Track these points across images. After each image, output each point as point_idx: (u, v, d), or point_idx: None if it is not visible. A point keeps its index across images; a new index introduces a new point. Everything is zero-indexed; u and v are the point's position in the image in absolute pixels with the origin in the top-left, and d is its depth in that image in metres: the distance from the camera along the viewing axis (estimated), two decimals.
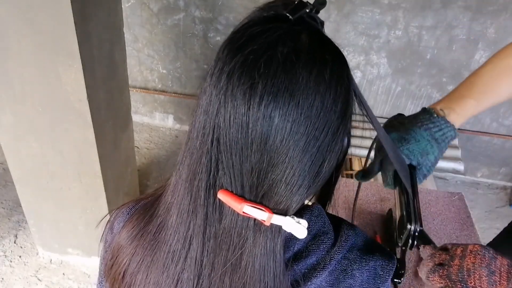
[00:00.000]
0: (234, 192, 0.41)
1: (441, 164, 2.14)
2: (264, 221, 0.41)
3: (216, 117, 0.39)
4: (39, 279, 1.86)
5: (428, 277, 0.54)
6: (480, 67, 0.74)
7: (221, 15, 2.35)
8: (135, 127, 2.53)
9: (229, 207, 0.42)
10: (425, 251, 0.60)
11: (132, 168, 1.98)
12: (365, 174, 0.75)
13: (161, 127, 2.89)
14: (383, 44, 2.28)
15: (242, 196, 0.41)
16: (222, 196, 0.41)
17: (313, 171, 0.41)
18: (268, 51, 0.37)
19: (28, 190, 1.67)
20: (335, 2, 2.17)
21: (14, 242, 2.01)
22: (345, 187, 1.43)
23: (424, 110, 0.71)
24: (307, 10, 0.41)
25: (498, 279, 0.48)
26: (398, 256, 1.10)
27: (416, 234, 0.64)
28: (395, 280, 1.03)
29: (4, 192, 2.26)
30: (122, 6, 1.67)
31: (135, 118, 2.84)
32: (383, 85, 2.42)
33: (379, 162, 0.73)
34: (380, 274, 0.50)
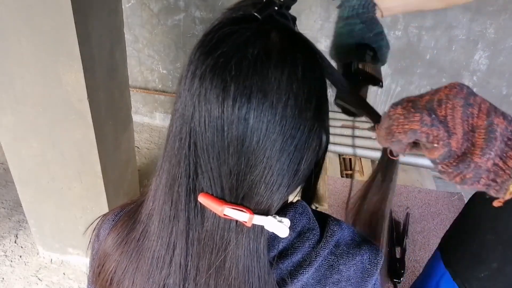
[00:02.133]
0: (214, 195, 0.41)
1: None
2: (246, 222, 0.41)
3: (192, 121, 0.39)
4: (39, 279, 1.86)
5: (390, 113, 0.44)
6: None
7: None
8: (135, 127, 2.53)
9: (210, 210, 0.42)
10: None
11: (133, 168, 1.98)
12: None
13: (162, 127, 2.89)
14: None
15: (222, 199, 0.41)
16: (202, 199, 0.41)
17: (292, 170, 0.41)
18: (238, 52, 0.37)
19: (28, 190, 1.67)
20: (335, 3, 2.17)
21: (15, 242, 2.01)
22: (345, 187, 1.43)
23: None
24: (276, 8, 0.41)
25: (477, 112, 0.40)
26: (398, 256, 1.10)
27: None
28: (395, 280, 1.04)
29: (5, 192, 2.26)
30: (123, 7, 1.68)
31: (136, 118, 2.84)
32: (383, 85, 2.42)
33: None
34: (368, 268, 0.50)
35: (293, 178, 0.42)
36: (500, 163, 0.38)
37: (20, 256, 1.95)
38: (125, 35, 1.64)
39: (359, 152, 2.19)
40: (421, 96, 0.44)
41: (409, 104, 0.43)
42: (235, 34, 0.38)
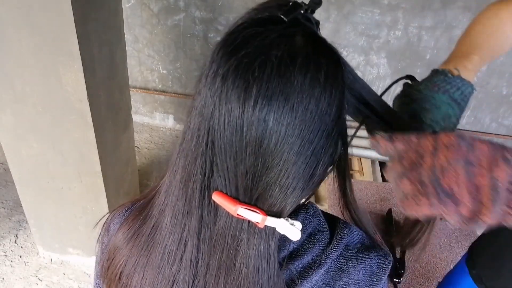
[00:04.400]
0: (228, 194, 0.41)
1: None
2: (258, 223, 0.41)
3: (211, 120, 0.39)
4: (39, 279, 1.86)
5: (397, 184, 0.47)
6: (469, 28, 0.74)
7: (221, 15, 2.35)
8: (135, 127, 2.53)
9: (224, 209, 0.42)
10: (379, 147, 0.50)
11: (133, 168, 1.98)
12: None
13: (162, 127, 2.89)
14: (382, 45, 2.28)
15: (236, 198, 0.41)
16: (216, 198, 0.41)
17: (307, 174, 0.41)
18: (262, 54, 0.37)
19: (28, 190, 1.67)
20: (335, 3, 2.17)
21: (15, 242, 2.01)
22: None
23: (436, 71, 0.68)
24: (302, 11, 0.41)
25: (478, 170, 0.41)
26: (398, 256, 1.10)
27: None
28: (395, 280, 1.04)
29: (5, 192, 2.26)
30: (123, 7, 1.68)
31: (136, 118, 2.84)
32: (383, 85, 2.42)
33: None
34: (376, 272, 0.50)
35: (308, 182, 0.42)
36: (509, 211, 0.40)
37: (20, 256, 1.95)
38: (125, 35, 1.64)
39: (359, 152, 2.19)
40: (420, 155, 0.44)
41: (414, 175, 0.44)
42: (260, 35, 0.38)
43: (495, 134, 2.45)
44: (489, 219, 0.40)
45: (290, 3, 0.41)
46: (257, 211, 0.41)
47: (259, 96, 0.36)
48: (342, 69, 0.41)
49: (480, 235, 0.88)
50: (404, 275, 1.04)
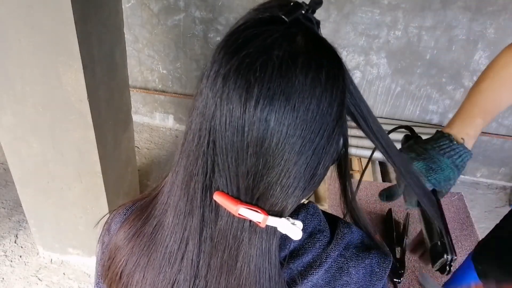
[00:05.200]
0: (230, 194, 0.42)
1: None
2: (260, 223, 0.41)
3: (212, 120, 0.39)
4: (39, 279, 1.86)
5: None
6: (480, 81, 0.77)
7: (221, 15, 2.35)
8: (135, 127, 2.53)
9: (225, 209, 0.42)
10: None
11: (133, 168, 1.98)
12: (389, 195, 0.79)
13: (162, 127, 2.89)
14: (382, 45, 2.28)
15: (238, 198, 0.41)
16: (218, 198, 0.41)
17: (309, 173, 0.41)
18: (264, 54, 0.37)
19: (28, 190, 1.67)
20: (335, 3, 2.17)
21: (15, 242, 2.01)
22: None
23: (442, 135, 0.74)
24: (303, 11, 0.41)
25: None
26: (398, 256, 1.10)
27: (452, 263, 0.68)
28: (395, 280, 1.04)
29: (5, 192, 2.26)
30: (123, 7, 1.68)
31: (136, 118, 2.84)
32: (382, 85, 2.42)
33: (403, 185, 0.76)
34: (376, 272, 0.50)
35: (309, 182, 0.42)
36: None
37: (20, 256, 1.95)
38: (125, 35, 1.64)
39: (359, 152, 2.19)
40: None
41: None
42: (262, 35, 0.38)
43: (495, 134, 2.45)
44: None
45: (291, 3, 0.41)
46: (259, 210, 0.41)
47: (260, 96, 0.36)
48: (344, 70, 0.41)
49: (487, 235, 0.89)
50: (404, 275, 1.04)
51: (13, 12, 1.18)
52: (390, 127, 2.65)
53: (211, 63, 0.40)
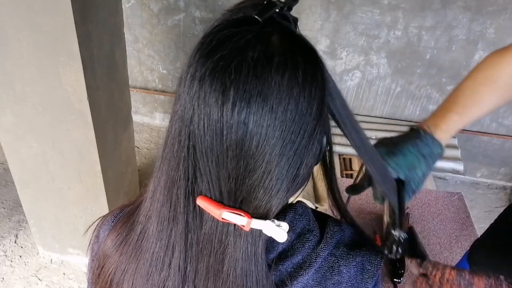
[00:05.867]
0: (213, 198, 0.41)
1: (441, 164, 2.14)
2: (244, 226, 0.41)
3: (191, 124, 0.39)
4: (39, 279, 1.86)
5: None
6: (463, 80, 0.76)
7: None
8: (135, 127, 2.53)
9: (209, 213, 0.42)
10: (411, 267, 0.64)
11: (133, 168, 1.98)
12: (355, 189, 0.78)
13: (162, 127, 2.89)
14: (382, 45, 2.28)
15: (221, 202, 0.41)
16: (201, 202, 0.41)
17: (291, 174, 0.41)
18: (238, 56, 0.36)
19: (28, 190, 1.67)
20: (335, 3, 2.17)
21: (15, 242, 2.01)
22: (345, 187, 1.43)
23: (412, 129, 0.74)
24: (277, 10, 0.40)
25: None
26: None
27: (401, 240, 0.66)
28: (395, 280, 1.04)
29: (5, 192, 2.26)
30: (123, 7, 1.68)
31: (136, 118, 2.84)
32: (382, 85, 2.42)
33: (369, 177, 0.74)
34: (368, 269, 0.50)
35: (292, 182, 0.42)
36: None
37: (20, 256, 1.95)
38: (125, 35, 1.64)
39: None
40: (430, 286, 0.60)
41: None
42: (235, 36, 0.37)
43: (495, 134, 2.45)
44: None
45: (265, 2, 0.40)
46: (242, 214, 0.40)
47: (237, 99, 0.36)
48: (322, 67, 0.41)
49: (482, 234, 0.89)
50: (404, 275, 1.03)
51: (13, 12, 1.18)
52: (390, 127, 2.67)
53: (188, 66, 0.39)
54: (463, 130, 2.47)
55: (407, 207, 1.28)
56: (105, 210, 1.68)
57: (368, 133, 2.33)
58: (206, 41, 0.39)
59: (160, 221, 0.45)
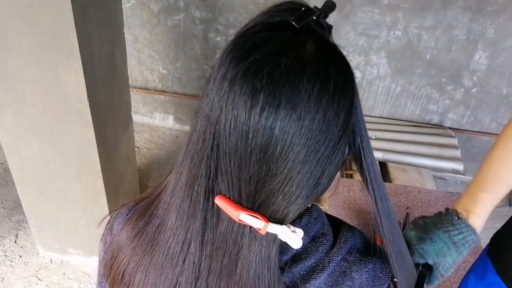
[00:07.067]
0: (231, 198, 0.41)
1: (441, 164, 2.14)
2: (260, 229, 0.41)
3: (217, 124, 0.39)
4: (39, 279, 1.86)
5: None
6: (491, 149, 0.71)
7: (221, 15, 2.35)
8: (135, 127, 2.53)
9: (226, 213, 0.42)
10: None
11: (133, 168, 1.98)
12: None
13: (162, 127, 2.89)
14: (382, 45, 2.28)
15: (239, 204, 0.41)
16: (219, 202, 0.41)
17: (312, 182, 0.41)
18: (271, 61, 0.36)
19: (28, 190, 1.67)
20: (335, 3, 2.17)
21: (15, 242, 2.01)
22: (344, 187, 1.43)
23: (447, 210, 0.71)
24: (314, 17, 0.40)
25: None
26: None
27: None
28: (395, 280, 1.04)
29: (5, 192, 2.26)
30: (123, 7, 1.68)
31: (136, 118, 2.84)
32: (382, 85, 2.42)
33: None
34: (379, 276, 0.50)
35: (312, 190, 0.42)
36: None
37: (20, 256, 1.95)
38: (125, 35, 1.64)
39: None
40: None
41: None
42: (270, 41, 0.37)
43: (495, 134, 2.45)
44: None
45: (303, 8, 0.40)
46: (259, 217, 0.40)
47: (266, 104, 0.36)
48: (353, 79, 0.40)
49: (502, 227, 0.88)
50: None
51: (13, 12, 1.18)
52: (390, 127, 2.67)
53: (218, 65, 0.39)
54: (463, 130, 2.47)
55: (407, 207, 1.28)
56: (105, 210, 1.68)
57: (368, 133, 2.33)
58: (240, 42, 0.39)
59: (179, 216, 0.45)
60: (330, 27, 0.42)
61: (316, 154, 0.39)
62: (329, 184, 0.45)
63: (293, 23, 0.38)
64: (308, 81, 0.36)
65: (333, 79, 0.38)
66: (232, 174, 0.40)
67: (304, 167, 0.39)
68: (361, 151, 0.44)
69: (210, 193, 0.42)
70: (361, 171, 0.46)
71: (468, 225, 0.67)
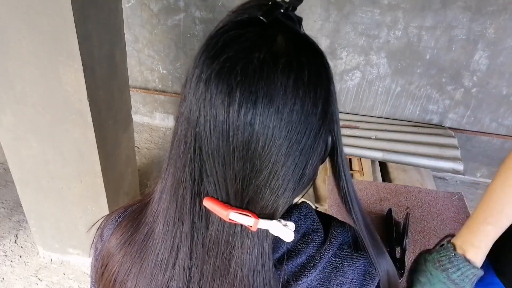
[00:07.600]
0: (219, 199, 0.41)
1: (441, 164, 2.15)
2: (251, 226, 0.41)
3: (197, 126, 0.39)
4: (39, 279, 1.86)
5: None
6: (493, 180, 0.70)
7: (221, 15, 2.33)
8: (135, 127, 2.53)
9: (215, 214, 0.42)
10: None
11: (133, 168, 1.98)
12: None
13: (162, 127, 2.89)
14: (382, 45, 2.28)
15: (227, 203, 0.41)
16: (207, 203, 0.41)
17: (297, 174, 0.41)
18: (244, 57, 0.36)
19: (28, 190, 1.67)
20: (335, 3, 2.17)
21: (15, 242, 2.01)
22: None
23: (447, 245, 0.70)
24: (282, 10, 0.40)
25: None
26: (398, 256, 1.10)
27: None
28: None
29: (5, 192, 2.26)
30: (123, 7, 1.68)
31: (136, 118, 2.85)
32: (382, 85, 2.42)
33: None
34: (370, 271, 0.50)
35: (298, 182, 0.42)
36: None
37: (20, 256, 1.95)
38: (125, 35, 1.64)
39: (359, 152, 2.19)
40: None
41: None
42: (241, 38, 0.38)
43: (495, 134, 2.45)
44: None
45: (269, 3, 0.40)
46: (249, 214, 0.41)
47: (243, 100, 0.36)
48: (327, 67, 0.41)
49: (506, 230, 0.87)
50: (404, 275, 1.03)
51: (13, 12, 1.18)
52: (390, 127, 2.67)
53: (193, 68, 0.39)
54: (463, 130, 2.47)
55: (407, 207, 1.29)
56: (105, 210, 1.68)
57: (368, 133, 2.33)
58: (212, 42, 0.39)
59: (166, 222, 0.45)
60: (300, 19, 0.43)
61: (299, 146, 0.39)
62: (315, 174, 0.45)
63: (262, 18, 0.38)
64: (282, 73, 0.36)
65: (307, 69, 0.38)
66: (217, 174, 0.40)
67: (288, 159, 0.39)
68: (337, 139, 0.45)
69: (197, 196, 0.42)
70: (335, 158, 0.46)
71: (465, 260, 0.66)
